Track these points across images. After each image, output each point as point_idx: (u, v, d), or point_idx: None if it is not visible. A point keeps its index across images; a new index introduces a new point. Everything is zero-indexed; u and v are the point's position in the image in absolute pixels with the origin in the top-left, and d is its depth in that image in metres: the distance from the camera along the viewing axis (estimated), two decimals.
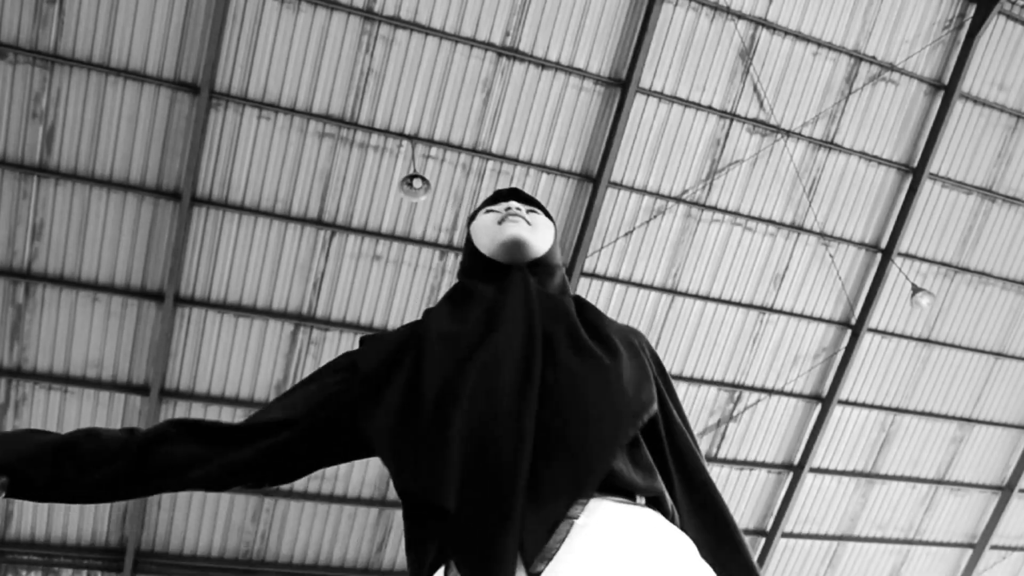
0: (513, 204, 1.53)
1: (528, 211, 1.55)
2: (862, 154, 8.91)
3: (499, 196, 1.62)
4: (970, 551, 11.44)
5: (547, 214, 1.61)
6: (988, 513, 11.24)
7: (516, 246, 1.46)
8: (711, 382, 9.38)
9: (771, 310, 9.25)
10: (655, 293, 8.83)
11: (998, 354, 10.29)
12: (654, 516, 1.15)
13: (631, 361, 1.35)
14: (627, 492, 1.18)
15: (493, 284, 1.43)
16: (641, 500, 1.20)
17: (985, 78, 9.04)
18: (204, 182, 7.32)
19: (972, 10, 8.65)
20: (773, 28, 8.20)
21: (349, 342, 8.14)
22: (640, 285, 8.74)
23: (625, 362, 1.33)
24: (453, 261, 8.11)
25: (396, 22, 7.24)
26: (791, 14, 8.21)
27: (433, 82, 7.55)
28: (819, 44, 8.37)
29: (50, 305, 7.33)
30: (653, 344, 9.00)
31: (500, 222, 1.49)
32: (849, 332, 9.57)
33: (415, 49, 7.40)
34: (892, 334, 9.75)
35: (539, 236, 1.50)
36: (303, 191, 7.57)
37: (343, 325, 8.05)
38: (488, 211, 1.57)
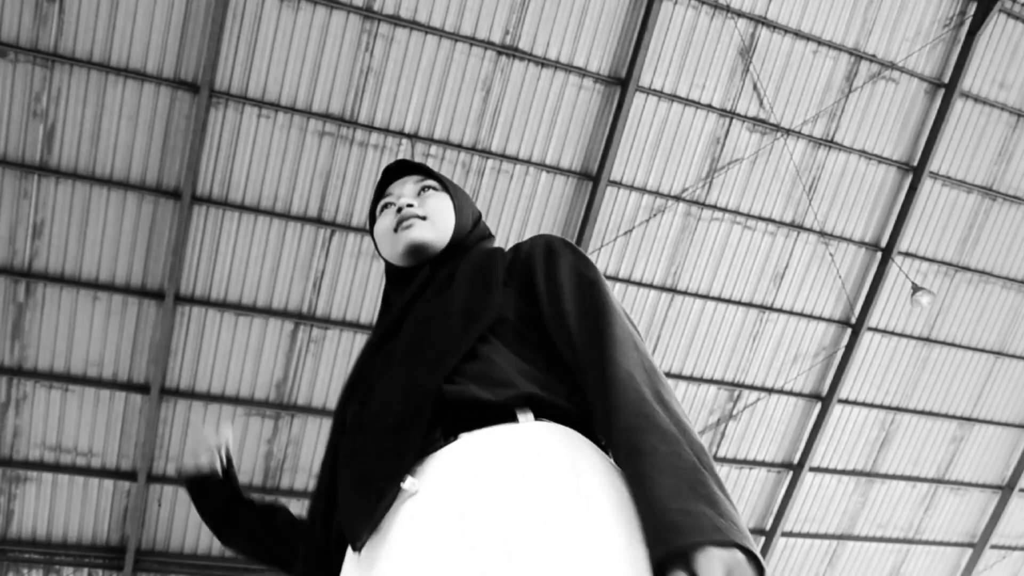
0: (403, 200, 1.41)
1: (420, 191, 1.45)
2: (862, 152, 8.90)
3: (387, 177, 1.51)
4: (970, 550, 11.43)
5: (440, 179, 1.48)
6: (988, 512, 11.24)
7: (416, 252, 1.39)
8: (711, 381, 9.38)
9: (771, 309, 9.25)
10: (655, 292, 8.83)
11: (998, 353, 10.29)
12: (510, 444, 1.01)
13: (468, 286, 1.25)
14: (498, 412, 1.06)
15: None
16: (527, 413, 1.07)
17: (986, 76, 9.03)
18: (204, 181, 7.32)
19: (973, 8, 8.64)
20: (773, 26, 8.19)
21: (349, 341, 8.15)
22: (640, 284, 8.74)
23: (455, 294, 1.25)
24: None
25: (396, 20, 7.25)
26: (791, 12, 8.21)
27: (433, 80, 7.55)
28: (819, 42, 8.36)
29: (51, 304, 7.34)
30: (652, 343, 9.04)
31: (396, 229, 1.41)
32: (849, 331, 9.57)
33: (415, 48, 7.40)
34: (892, 333, 9.74)
35: (438, 226, 1.41)
36: (303, 190, 7.58)
37: (343, 324, 8.06)
38: (383, 208, 1.48)
